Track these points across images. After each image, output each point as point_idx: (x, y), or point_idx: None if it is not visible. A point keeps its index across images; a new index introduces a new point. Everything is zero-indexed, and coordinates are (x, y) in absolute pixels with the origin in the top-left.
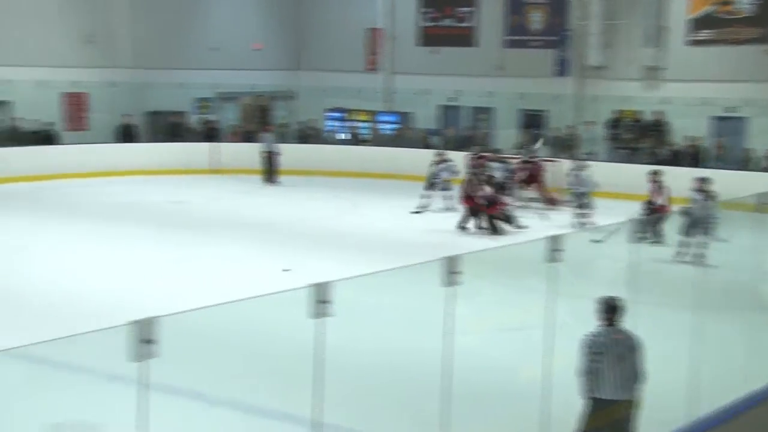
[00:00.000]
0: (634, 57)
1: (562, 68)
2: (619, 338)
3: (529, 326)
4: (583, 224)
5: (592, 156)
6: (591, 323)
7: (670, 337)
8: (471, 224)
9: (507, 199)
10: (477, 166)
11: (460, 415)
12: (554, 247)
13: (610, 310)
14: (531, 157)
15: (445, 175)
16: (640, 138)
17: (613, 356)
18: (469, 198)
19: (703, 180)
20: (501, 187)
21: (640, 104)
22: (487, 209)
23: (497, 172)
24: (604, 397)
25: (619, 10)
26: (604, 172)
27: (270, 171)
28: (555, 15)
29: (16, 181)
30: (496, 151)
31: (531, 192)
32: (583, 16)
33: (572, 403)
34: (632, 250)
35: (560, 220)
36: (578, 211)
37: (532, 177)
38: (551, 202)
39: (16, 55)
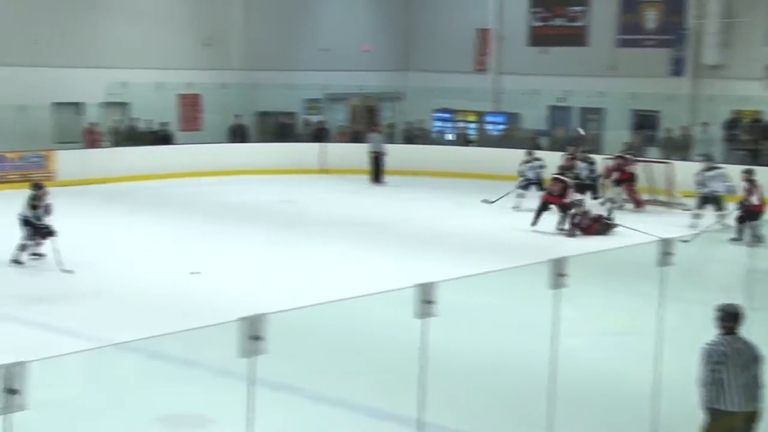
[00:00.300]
0: (754, 56)
1: (677, 68)
2: (740, 347)
3: (638, 331)
4: (697, 225)
5: (706, 158)
6: (700, 329)
7: None
8: (565, 224)
9: (586, 199)
10: (566, 168)
11: (565, 418)
12: (665, 250)
13: (731, 317)
14: (623, 157)
15: (529, 174)
16: (759, 139)
17: (735, 366)
18: (550, 196)
19: None
20: (586, 187)
21: (760, 104)
22: (564, 207)
23: (583, 171)
24: (726, 408)
25: (739, 8)
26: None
27: (377, 171)
28: (671, 13)
29: (134, 180)
30: (585, 150)
31: (619, 192)
32: (701, 15)
33: (680, 410)
34: (749, 254)
35: (651, 222)
36: (696, 211)
37: (623, 177)
38: (638, 204)
39: (134, 58)
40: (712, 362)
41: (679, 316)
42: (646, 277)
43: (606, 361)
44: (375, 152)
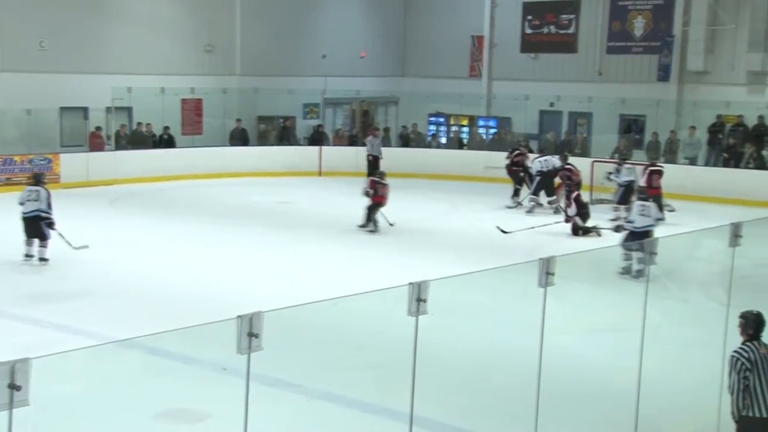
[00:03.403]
0: (737, 62)
1: (664, 74)
2: (765, 353)
3: (624, 328)
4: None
5: (692, 161)
6: (681, 325)
7: None
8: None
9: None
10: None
11: (553, 413)
12: (650, 249)
13: (754, 324)
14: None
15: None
16: (743, 143)
17: (763, 372)
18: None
19: None
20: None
21: (742, 109)
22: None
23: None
24: (758, 415)
25: (724, 16)
26: (705, 176)
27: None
28: (658, 21)
29: (137, 182)
30: (541, 150)
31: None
32: (687, 22)
33: (660, 406)
34: (729, 253)
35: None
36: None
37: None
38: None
39: (139, 64)
40: (742, 369)
41: (663, 313)
42: (632, 276)
43: (593, 358)
44: (372, 155)
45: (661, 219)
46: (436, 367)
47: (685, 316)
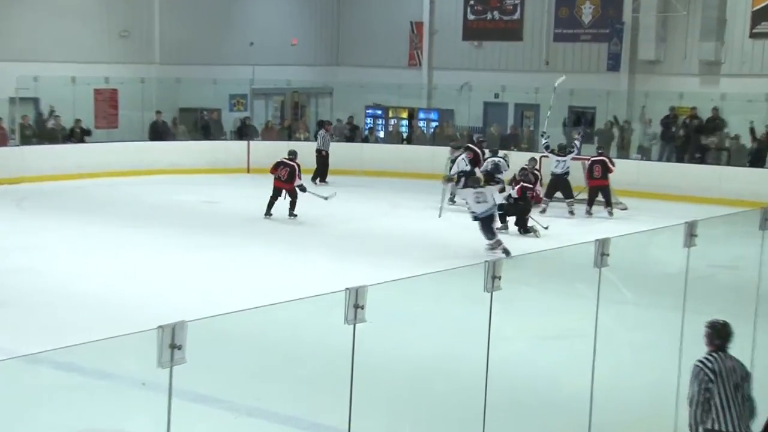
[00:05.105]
0: (690, 51)
1: (614, 63)
2: (731, 365)
3: (574, 334)
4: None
5: (645, 154)
6: (633, 330)
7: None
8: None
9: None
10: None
11: (501, 425)
12: (602, 251)
13: (721, 334)
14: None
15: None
16: (696, 135)
17: (727, 385)
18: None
19: None
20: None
21: (695, 100)
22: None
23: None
24: (718, 428)
25: (676, 2)
26: (657, 171)
27: (323, 170)
28: (607, 7)
29: (46, 180)
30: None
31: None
32: (637, 8)
33: (614, 416)
34: (684, 254)
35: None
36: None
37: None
38: None
39: (46, 50)
40: (702, 381)
41: (615, 318)
42: (582, 279)
43: (543, 367)
44: (325, 150)
45: (497, 203)
46: (375, 378)
47: (639, 321)
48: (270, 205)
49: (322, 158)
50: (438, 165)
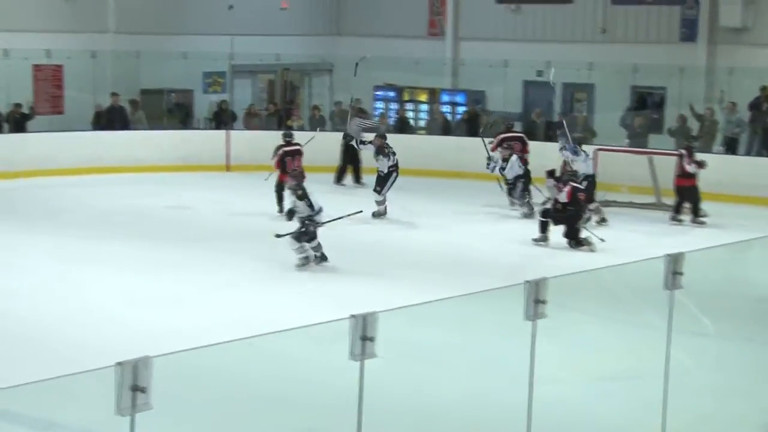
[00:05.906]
0: None
1: (689, 31)
2: None
3: (639, 375)
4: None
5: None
6: (714, 370)
7: None
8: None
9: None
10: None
11: None
12: (674, 269)
13: None
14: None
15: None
16: None
17: None
18: None
19: None
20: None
21: None
22: None
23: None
24: None
25: None
26: (743, 167)
27: (356, 168)
28: None
29: None
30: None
31: None
32: None
33: None
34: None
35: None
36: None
37: None
38: None
39: None
40: None
41: (692, 354)
42: (650, 304)
43: (599, 415)
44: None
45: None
46: (387, 427)
47: (723, 358)
48: (281, 197)
49: (354, 152)
50: (465, 160)
